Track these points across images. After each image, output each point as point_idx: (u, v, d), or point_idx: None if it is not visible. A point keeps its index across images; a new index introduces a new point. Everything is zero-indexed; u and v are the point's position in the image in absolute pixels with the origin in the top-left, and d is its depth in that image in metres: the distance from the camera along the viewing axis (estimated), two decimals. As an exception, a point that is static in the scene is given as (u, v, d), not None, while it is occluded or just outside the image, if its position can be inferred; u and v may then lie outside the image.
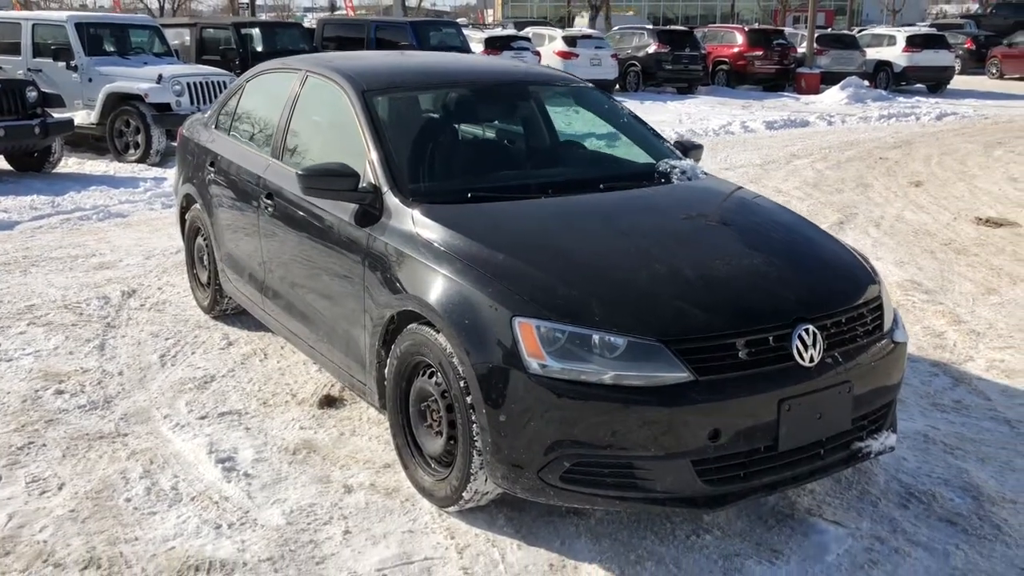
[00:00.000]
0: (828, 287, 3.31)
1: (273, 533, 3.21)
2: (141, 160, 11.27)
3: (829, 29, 33.24)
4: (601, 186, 3.88)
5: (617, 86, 22.37)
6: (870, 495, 3.50)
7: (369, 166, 3.74)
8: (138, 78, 11.37)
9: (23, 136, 10.04)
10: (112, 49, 12.36)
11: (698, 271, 3.19)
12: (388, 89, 4.14)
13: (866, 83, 22.72)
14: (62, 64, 11.69)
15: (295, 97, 4.49)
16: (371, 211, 3.64)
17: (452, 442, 3.22)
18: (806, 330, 3.03)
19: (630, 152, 4.40)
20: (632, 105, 20.30)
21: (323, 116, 4.31)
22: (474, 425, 3.04)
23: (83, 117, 11.46)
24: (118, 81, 11.39)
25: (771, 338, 2.99)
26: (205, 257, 5.35)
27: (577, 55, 20.96)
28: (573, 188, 3.85)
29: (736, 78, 23.73)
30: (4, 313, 5.52)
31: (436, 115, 4.30)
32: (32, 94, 10.24)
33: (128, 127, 11.39)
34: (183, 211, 5.62)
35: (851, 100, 20.97)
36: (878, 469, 3.69)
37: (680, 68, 22.28)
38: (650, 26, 25.16)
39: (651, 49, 22.31)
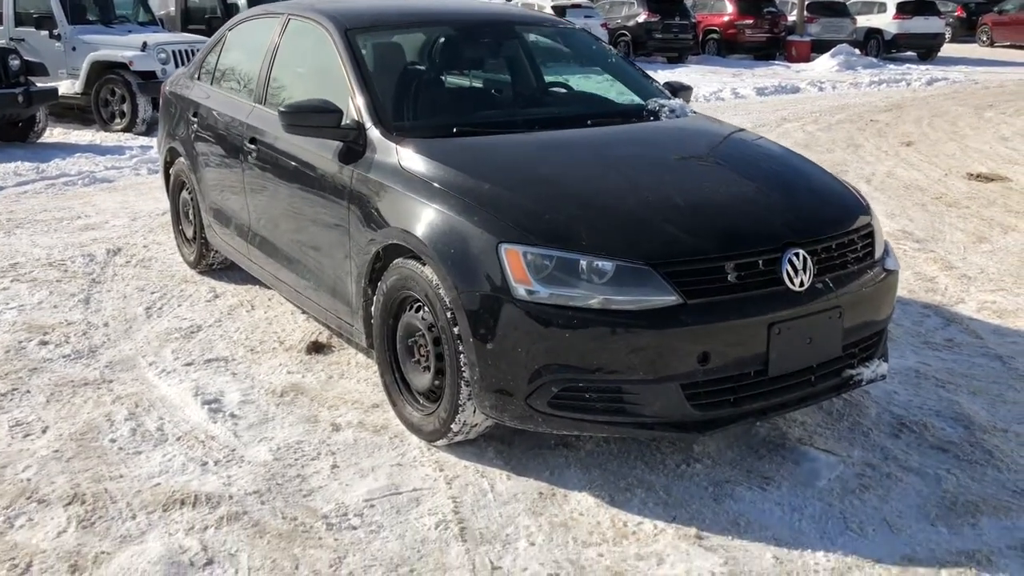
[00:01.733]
0: (818, 214, 3.27)
1: (260, 468, 3.18)
2: (127, 129, 11.14)
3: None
4: (589, 122, 3.84)
5: (607, 56, 22.25)
6: (861, 426, 3.48)
7: (352, 103, 3.68)
8: (123, 46, 11.23)
9: (6, 105, 9.90)
10: (96, 18, 12.20)
11: (687, 198, 3.15)
12: (371, 28, 4.07)
13: (857, 51, 22.61)
14: (45, 33, 11.54)
15: (277, 42, 4.42)
16: (355, 148, 3.58)
17: (440, 376, 3.18)
18: (796, 254, 2.99)
19: (619, 92, 4.34)
20: (622, 74, 20.24)
21: (306, 58, 4.25)
22: (461, 356, 3.00)
23: (67, 87, 11.32)
24: (102, 50, 11.25)
25: (761, 262, 2.95)
26: (191, 212, 5.29)
27: (566, 25, 20.81)
28: (560, 124, 3.81)
29: (727, 47, 23.59)
30: (-13, 271, 5.46)
31: (420, 53, 4.24)
32: (15, 63, 10.09)
33: (113, 96, 11.26)
34: (167, 166, 5.55)
35: (842, 68, 20.88)
36: (869, 402, 3.67)
37: (670, 37, 22.11)
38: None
39: (641, 18, 22.14)
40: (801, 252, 3.01)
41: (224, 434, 3.43)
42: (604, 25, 21.58)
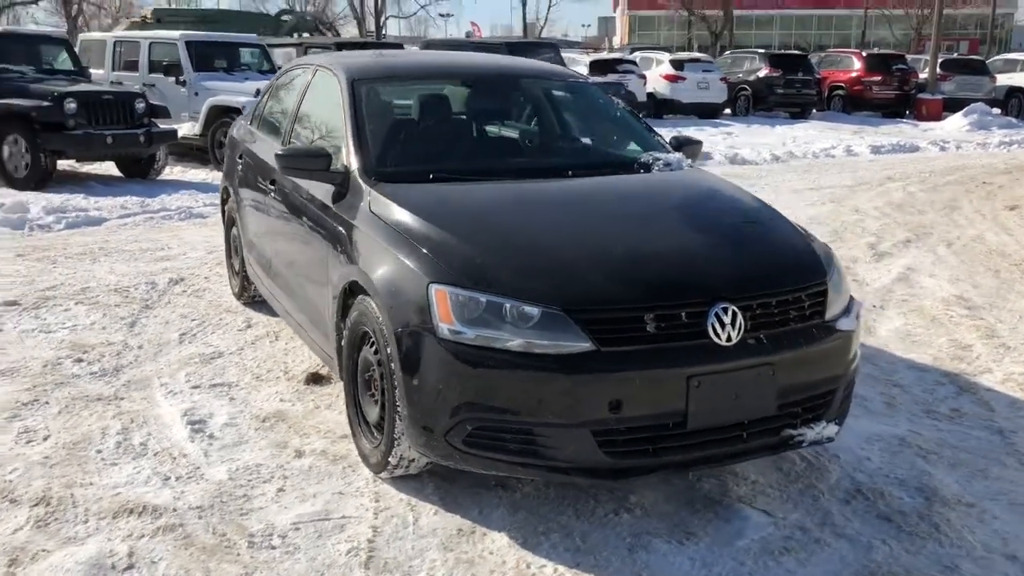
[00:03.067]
0: (763, 270, 3.25)
1: (212, 487, 3.38)
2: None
3: (955, 55, 31.76)
4: (569, 173, 3.93)
5: (728, 110, 22.12)
6: (814, 489, 3.39)
7: (344, 148, 3.91)
8: (238, 92, 12.03)
9: (129, 144, 10.79)
10: (220, 66, 13.11)
11: (627, 248, 3.20)
12: (377, 79, 4.32)
13: (995, 110, 21.66)
14: (172, 79, 12.49)
15: (305, 90, 4.73)
16: (341, 190, 3.80)
17: (384, 409, 3.32)
18: (724, 309, 2.99)
19: (617, 144, 4.42)
20: (737, 128, 20.10)
21: (323, 105, 4.52)
22: (396, 390, 3.13)
23: (188, 128, 12.19)
24: (220, 95, 12.08)
25: (684, 314, 2.97)
26: (238, 246, 5.65)
27: (684, 78, 20.85)
28: (539, 174, 3.92)
29: (853, 104, 23.04)
30: (60, 294, 5.96)
31: (421, 103, 4.44)
32: (140, 105, 10.99)
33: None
34: (223, 203, 5.95)
35: (974, 127, 20.03)
36: (835, 466, 3.58)
37: (792, 92, 21.83)
38: (761, 51, 24.72)
39: (762, 73, 21.95)
40: (731, 307, 3.00)
41: (196, 453, 3.66)
42: (723, 80, 21.51)
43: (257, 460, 3.60)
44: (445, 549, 2.98)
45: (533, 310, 2.92)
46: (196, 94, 12.43)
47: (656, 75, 21.17)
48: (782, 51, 26.51)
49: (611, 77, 18.35)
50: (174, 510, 3.20)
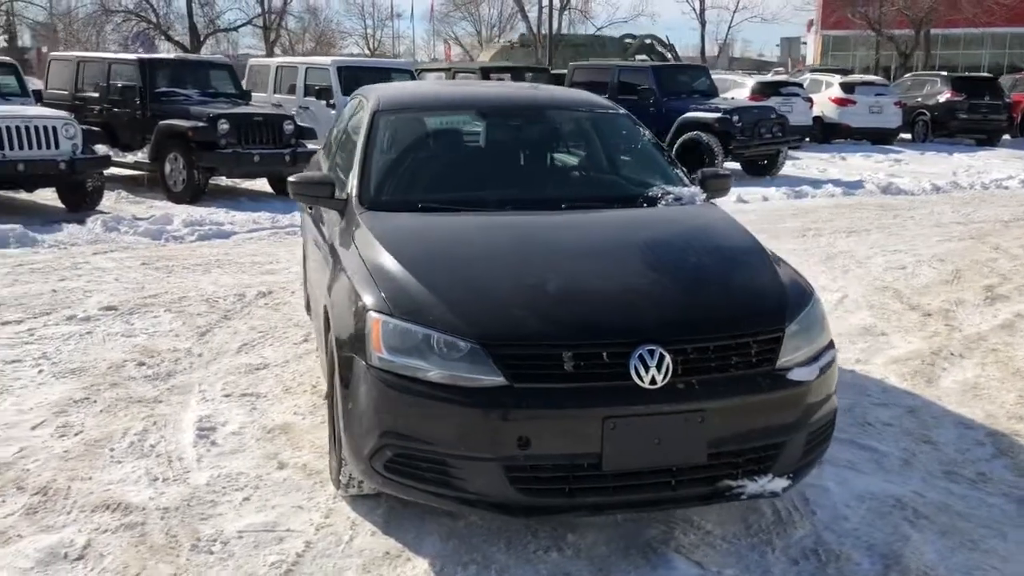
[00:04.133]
0: (706, 313, 3.15)
1: (189, 490, 3.62)
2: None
3: None
4: (563, 205, 3.93)
5: (907, 135, 20.94)
6: (769, 544, 3.23)
7: (351, 176, 4.10)
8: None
9: (275, 163, 11.55)
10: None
11: (567, 284, 3.19)
12: (399, 109, 4.49)
13: None
14: (323, 102, 13.25)
15: (350, 118, 4.97)
16: (342, 217, 3.98)
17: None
18: (651, 351, 2.92)
19: (631, 176, 4.37)
20: (908, 155, 19.03)
21: (356, 133, 4.74)
22: (338, 411, 3.26)
23: (334, 149, 12.89)
24: (364, 117, 12.70)
25: (606, 354, 2.92)
26: (309, 264, 5.99)
27: (854, 102, 19.94)
28: (533, 205, 3.94)
29: (1053, 131, 21.24)
30: (158, 302, 6.50)
31: (434, 133, 4.57)
32: (288, 127, 11.75)
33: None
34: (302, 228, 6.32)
35: None
36: (806, 521, 3.39)
37: (978, 118, 20.38)
38: (944, 73, 23.20)
39: (943, 97, 20.64)
40: (659, 350, 2.93)
41: (191, 458, 3.93)
42: (898, 103, 20.39)
43: (241, 469, 3.82)
44: (364, 571, 3.06)
45: (461, 343, 2.97)
46: (343, 116, 13.14)
47: (824, 98, 20.36)
48: (967, 74, 24.74)
49: (771, 100, 17.79)
50: (143, 509, 3.46)
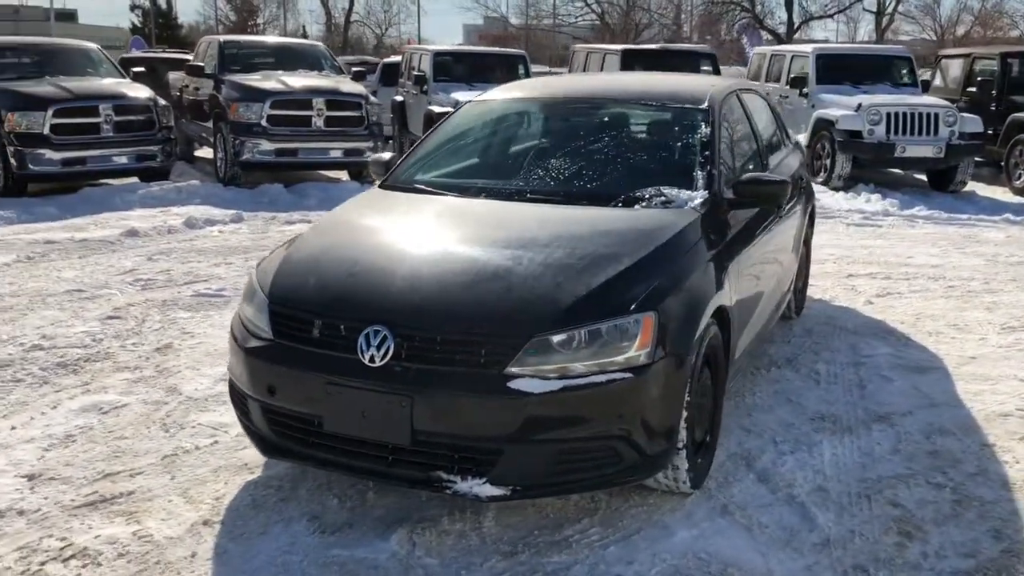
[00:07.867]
0: (467, 309, 3.13)
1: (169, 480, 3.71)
2: (825, 182, 11.84)
3: None
4: (528, 198, 3.98)
5: None
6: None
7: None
8: (839, 105, 12.04)
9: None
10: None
11: (399, 268, 3.37)
12: (486, 99, 4.82)
13: None
14: (796, 91, 12.94)
15: None
16: None
17: None
18: (376, 331, 3.09)
19: (644, 176, 4.06)
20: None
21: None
22: None
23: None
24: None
25: (343, 327, 3.17)
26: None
27: None
28: (503, 196, 4.02)
29: None
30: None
31: (496, 122, 4.75)
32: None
33: (823, 151, 12.15)
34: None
35: None
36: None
37: None
38: None
39: None
40: (384, 331, 3.07)
41: (192, 448, 4.00)
42: None
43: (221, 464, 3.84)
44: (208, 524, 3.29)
45: (260, 295, 3.47)
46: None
47: None
48: None
49: None
50: (116, 475, 3.72)
